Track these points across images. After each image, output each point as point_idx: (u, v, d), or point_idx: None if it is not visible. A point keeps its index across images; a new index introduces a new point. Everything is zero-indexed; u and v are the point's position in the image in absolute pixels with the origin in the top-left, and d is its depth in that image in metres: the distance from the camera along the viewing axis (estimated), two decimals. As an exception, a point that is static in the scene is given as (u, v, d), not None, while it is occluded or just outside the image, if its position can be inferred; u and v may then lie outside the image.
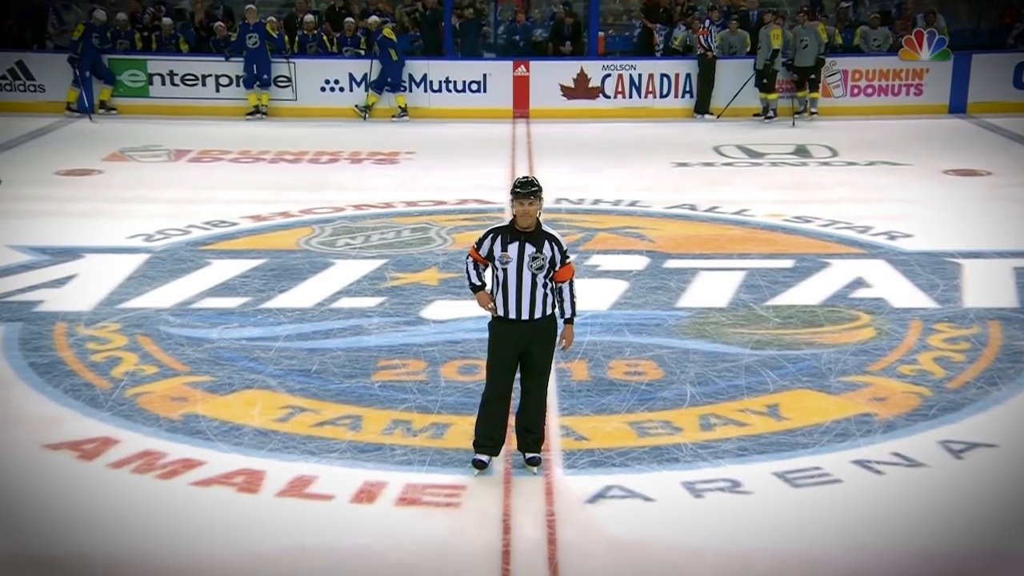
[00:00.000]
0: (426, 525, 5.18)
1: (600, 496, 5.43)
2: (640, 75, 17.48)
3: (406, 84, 17.41)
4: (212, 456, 5.81)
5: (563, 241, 5.50)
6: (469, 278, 5.61)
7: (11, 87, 17.24)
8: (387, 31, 17.06)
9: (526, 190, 5.37)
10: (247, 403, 6.48)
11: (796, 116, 17.11)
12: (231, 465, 5.71)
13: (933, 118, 17.19)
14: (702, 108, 17.18)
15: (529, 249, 5.42)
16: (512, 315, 5.46)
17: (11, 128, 15.65)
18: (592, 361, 7.12)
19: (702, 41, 17.05)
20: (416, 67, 17.47)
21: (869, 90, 17.62)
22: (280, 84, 17.51)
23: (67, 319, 7.88)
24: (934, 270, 9.09)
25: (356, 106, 17.48)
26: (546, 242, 5.44)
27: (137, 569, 4.84)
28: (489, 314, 5.59)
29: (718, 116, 17.04)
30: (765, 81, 16.87)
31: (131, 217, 10.79)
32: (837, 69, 17.51)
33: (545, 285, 5.45)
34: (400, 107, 17.35)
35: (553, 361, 5.65)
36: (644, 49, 18.56)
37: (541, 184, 5.43)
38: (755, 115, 17.06)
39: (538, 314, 5.46)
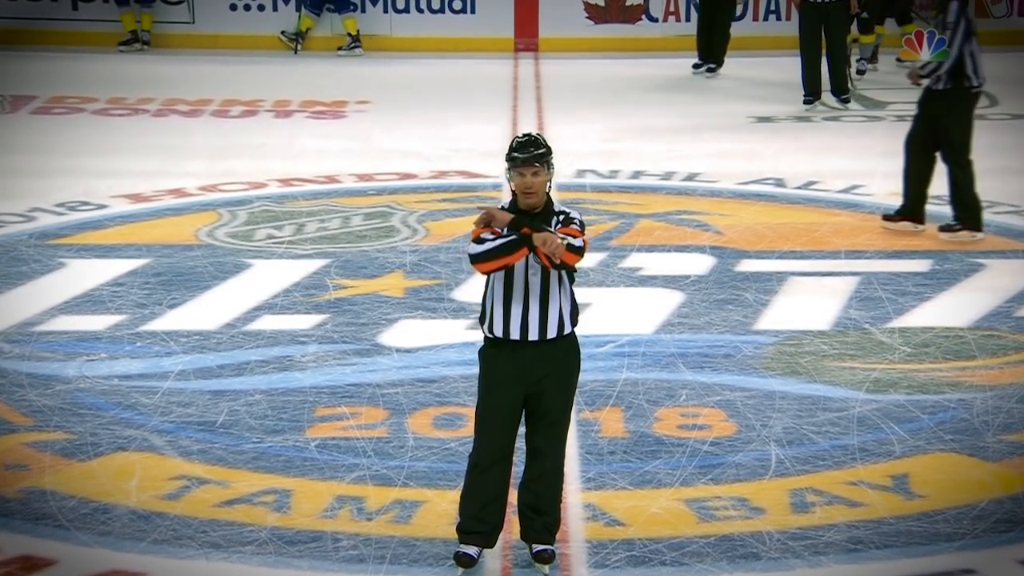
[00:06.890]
0: (385, 652, 5.19)
1: (644, 609, 5.43)
2: (702, -13, 17.52)
3: (357, 1, 17.43)
4: (67, 552, 5.77)
5: (578, 215, 5.41)
6: (489, 247, 5.28)
7: None
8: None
9: (526, 153, 5.36)
10: (120, 472, 6.46)
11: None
12: (95, 564, 5.67)
13: None
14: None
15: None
16: (515, 334, 5.43)
17: None
18: (631, 409, 7.12)
19: None
20: (371, -24, 17.53)
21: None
22: None
23: None
24: None
25: (283, 33, 17.50)
26: (555, 220, 5.42)
27: None
28: (480, 341, 5.58)
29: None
30: (866, 15, 15.97)
31: (-53, 197, 10.83)
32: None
33: (560, 281, 5.40)
34: (349, 35, 17.37)
35: (574, 406, 5.65)
36: None
37: (550, 145, 5.41)
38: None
39: (552, 332, 5.44)
